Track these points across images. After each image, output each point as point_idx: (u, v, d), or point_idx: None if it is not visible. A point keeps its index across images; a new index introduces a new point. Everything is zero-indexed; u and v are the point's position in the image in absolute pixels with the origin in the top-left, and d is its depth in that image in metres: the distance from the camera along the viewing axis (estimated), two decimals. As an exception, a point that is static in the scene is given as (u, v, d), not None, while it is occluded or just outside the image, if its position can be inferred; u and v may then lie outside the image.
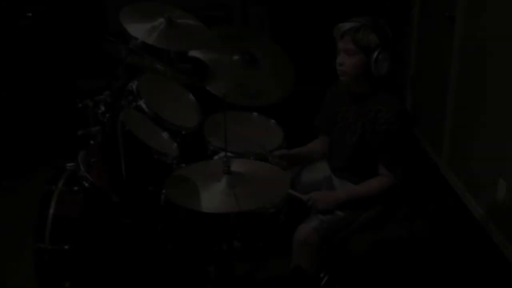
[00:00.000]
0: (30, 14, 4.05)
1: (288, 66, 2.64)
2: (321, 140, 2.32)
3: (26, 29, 4.02)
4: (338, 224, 2.05)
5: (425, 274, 2.68)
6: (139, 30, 2.12)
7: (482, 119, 3.13)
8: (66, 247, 2.03)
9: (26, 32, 4.00)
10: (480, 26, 3.18)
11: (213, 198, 1.62)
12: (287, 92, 2.54)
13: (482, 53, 3.14)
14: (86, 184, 1.99)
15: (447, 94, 3.61)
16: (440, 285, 2.59)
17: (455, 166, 3.58)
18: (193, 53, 2.48)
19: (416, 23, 4.35)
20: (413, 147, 3.89)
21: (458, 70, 3.48)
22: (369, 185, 2.06)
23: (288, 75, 2.62)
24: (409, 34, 4.43)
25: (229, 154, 1.75)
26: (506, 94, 2.82)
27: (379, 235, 2.63)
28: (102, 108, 2.10)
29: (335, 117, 2.18)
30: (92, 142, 2.22)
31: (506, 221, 2.80)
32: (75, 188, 2.12)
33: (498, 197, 2.88)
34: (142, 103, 2.22)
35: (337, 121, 2.17)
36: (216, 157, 2.28)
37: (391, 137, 1.99)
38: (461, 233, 3.06)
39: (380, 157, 2.04)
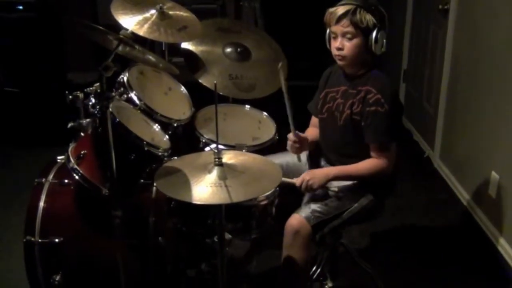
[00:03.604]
0: (20, 7, 4.02)
1: (281, 59, 2.63)
2: (316, 126, 2.31)
3: (16, 22, 3.98)
4: (330, 212, 2.05)
5: (416, 265, 2.68)
6: (130, 21, 2.10)
7: (475, 112, 3.13)
8: (56, 240, 2.02)
9: (17, 24, 3.97)
10: (474, 18, 3.18)
11: (204, 189, 1.60)
12: (279, 85, 2.53)
13: (475, 46, 3.14)
14: (77, 177, 1.97)
15: (440, 86, 3.62)
16: (432, 277, 2.60)
17: (447, 159, 3.59)
18: (186, 45, 2.47)
19: (410, 16, 4.35)
20: (404, 134, 3.90)
21: (451, 63, 3.48)
22: (359, 164, 2.05)
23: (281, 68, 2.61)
24: (403, 26, 4.43)
25: (220, 146, 1.73)
26: (499, 87, 2.82)
27: (370, 227, 2.64)
28: (92, 100, 2.07)
29: (326, 97, 2.18)
30: (82, 134, 2.21)
31: (498, 213, 2.81)
32: (66, 181, 2.11)
33: (490, 190, 2.88)
34: (133, 95, 2.19)
35: (327, 101, 2.17)
36: (207, 148, 2.26)
37: (380, 119, 1.98)
38: (453, 225, 3.07)
39: (369, 139, 2.03)
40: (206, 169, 1.67)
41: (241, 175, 1.68)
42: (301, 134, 2.17)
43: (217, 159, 1.66)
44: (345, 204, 2.07)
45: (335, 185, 2.11)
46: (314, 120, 2.32)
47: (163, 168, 1.78)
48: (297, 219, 2.02)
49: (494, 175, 2.83)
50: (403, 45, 4.45)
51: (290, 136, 2.14)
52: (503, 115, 2.77)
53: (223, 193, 1.59)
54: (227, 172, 1.65)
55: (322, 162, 2.26)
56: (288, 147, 2.17)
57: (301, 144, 2.15)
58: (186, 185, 1.63)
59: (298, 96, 2.21)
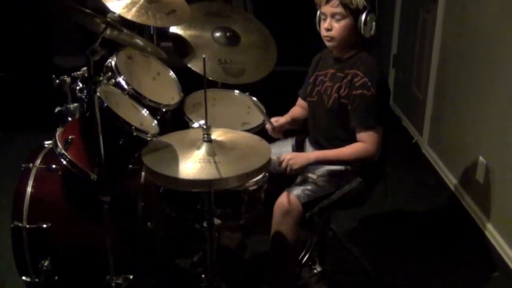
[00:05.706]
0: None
1: (270, 44, 2.62)
2: (301, 106, 2.33)
3: (2, 5, 3.93)
4: (320, 192, 2.05)
5: (404, 250, 2.70)
6: (118, 4, 2.07)
7: (463, 97, 3.14)
8: (44, 225, 2.01)
9: (3, 7, 3.92)
10: (463, 4, 3.18)
11: (192, 165, 1.58)
12: (268, 70, 2.52)
13: (464, 32, 3.15)
14: (64, 162, 1.96)
15: (429, 72, 3.62)
16: (419, 261, 2.62)
17: (436, 144, 3.61)
18: (174, 29, 2.45)
19: (400, 1, 4.34)
20: (392, 119, 3.91)
21: (440, 48, 3.49)
22: (342, 149, 2.05)
23: (270, 53, 2.60)
24: (393, 12, 4.42)
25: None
26: (487, 72, 2.83)
27: (358, 211, 2.65)
28: (80, 84, 2.05)
29: (315, 81, 2.18)
30: (69, 119, 2.18)
31: (485, 198, 2.83)
32: (53, 166, 2.10)
33: (477, 175, 2.90)
34: (121, 80, 2.17)
35: (317, 84, 2.17)
36: (195, 125, 2.26)
37: (366, 103, 1.98)
38: (440, 210, 3.09)
39: (355, 123, 2.02)
40: (194, 145, 1.65)
41: (230, 151, 1.66)
42: (275, 121, 2.23)
43: (205, 135, 1.65)
44: (335, 185, 2.08)
45: (325, 168, 2.11)
46: (300, 101, 2.34)
47: (151, 144, 1.76)
48: (288, 197, 2.01)
49: (482, 160, 2.85)
50: (393, 31, 4.44)
51: (268, 126, 2.22)
52: (491, 100, 2.78)
53: (211, 169, 1.57)
54: (216, 149, 1.64)
55: (309, 147, 2.27)
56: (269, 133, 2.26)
57: (278, 129, 2.23)
58: (174, 161, 1.61)
59: (285, 81, 2.21)
